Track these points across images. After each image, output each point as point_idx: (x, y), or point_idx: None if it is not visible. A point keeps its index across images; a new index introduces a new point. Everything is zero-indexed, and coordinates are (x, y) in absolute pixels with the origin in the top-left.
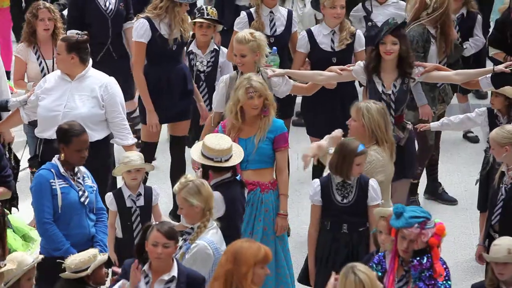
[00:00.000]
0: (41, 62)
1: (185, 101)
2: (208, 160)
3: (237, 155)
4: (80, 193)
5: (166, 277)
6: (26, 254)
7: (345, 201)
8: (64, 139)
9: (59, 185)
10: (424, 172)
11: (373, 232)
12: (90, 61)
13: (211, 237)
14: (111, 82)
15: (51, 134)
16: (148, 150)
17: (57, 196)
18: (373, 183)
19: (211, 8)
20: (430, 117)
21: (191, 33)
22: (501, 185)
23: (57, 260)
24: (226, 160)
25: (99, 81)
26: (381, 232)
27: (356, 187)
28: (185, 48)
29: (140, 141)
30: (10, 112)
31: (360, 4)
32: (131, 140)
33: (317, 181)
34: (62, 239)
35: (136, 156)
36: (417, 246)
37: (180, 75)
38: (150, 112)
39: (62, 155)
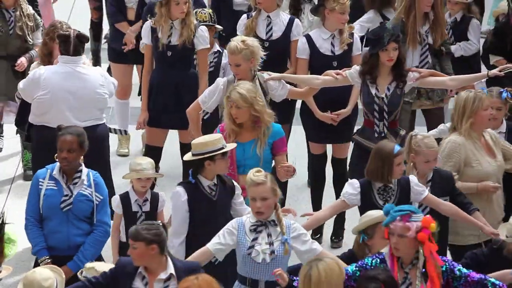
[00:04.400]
0: None
1: (178, 110)
2: (218, 151)
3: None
4: (63, 198)
5: (163, 275)
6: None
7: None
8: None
9: (47, 186)
10: None
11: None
12: (66, 56)
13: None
14: (39, 73)
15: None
16: (152, 154)
17: (40, 196)
18: (413, 178)
19: (200, 12)
20: None
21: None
22: None
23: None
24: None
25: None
26: (370, 237)
27: (397, 190)
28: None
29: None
30: None
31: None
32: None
33: (356, 181)
34: (36, 239)
35: (148, 165)
36: (409, 243)
37: (172, 83)
38: (141, 111)
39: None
